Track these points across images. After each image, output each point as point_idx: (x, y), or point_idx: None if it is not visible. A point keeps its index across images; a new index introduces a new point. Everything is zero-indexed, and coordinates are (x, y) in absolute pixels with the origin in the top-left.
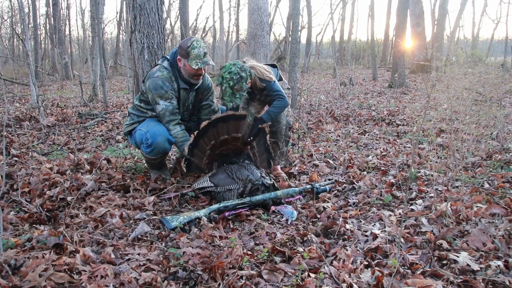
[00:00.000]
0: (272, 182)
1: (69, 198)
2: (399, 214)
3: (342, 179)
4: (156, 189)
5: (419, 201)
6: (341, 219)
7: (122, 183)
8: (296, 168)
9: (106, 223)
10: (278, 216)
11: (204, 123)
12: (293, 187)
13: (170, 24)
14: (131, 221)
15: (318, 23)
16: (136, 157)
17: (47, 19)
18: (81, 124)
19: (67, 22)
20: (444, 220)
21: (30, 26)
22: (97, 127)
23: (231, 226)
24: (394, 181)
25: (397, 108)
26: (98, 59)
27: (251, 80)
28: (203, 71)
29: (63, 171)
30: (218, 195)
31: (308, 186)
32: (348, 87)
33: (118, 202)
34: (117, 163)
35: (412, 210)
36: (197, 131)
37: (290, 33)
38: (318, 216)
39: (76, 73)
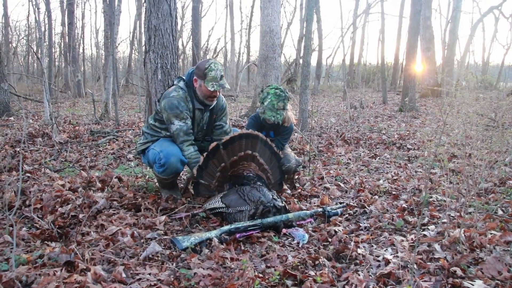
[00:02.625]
0: (283, 205)
1: (80, 216)
2: (412, 239)
3: (353, 203)
4: (167, 209)
5: (432, 227)
6: (352, 243)
7: (134, 201)
8: (307, 190)
9: (117, 241)
10: (289, 239)
11: (212, 145)
12: (304, 209)
13: (182, 45)
14: (142, 240)
15: (329, 46)
16: (147, 176)
17: (62, 38)
18: (93, 142)
19: (81, 41)
20: (457, 247)
21: (45, 44)
22: (108, 145)
23: (242, 248)
24: (405, 206)
25: (408, 132)
26: (111, 78)
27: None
28: (218, 93)
29: (75, 188)
30: (229, 216)
31: (320, 210)
32: (359, 110)
33: (129, 220)
34: (129, 181)
35: (425, 235)
36: (206, 153)
37: (301, 56)
38: (330, 239)
39: (88, 91)
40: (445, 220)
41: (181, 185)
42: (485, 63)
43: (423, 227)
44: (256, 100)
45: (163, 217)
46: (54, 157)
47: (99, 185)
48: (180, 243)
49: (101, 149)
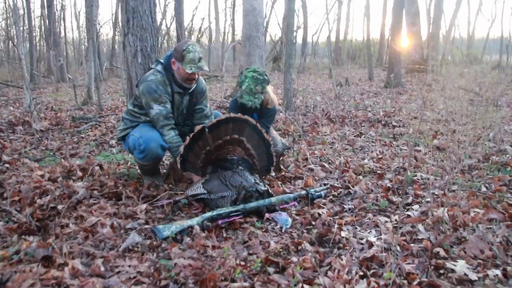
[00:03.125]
0: (266, 189)
1: (59, 207)
2: (395, 220)
3: (338, 184)
4: (149, 196)
5: (416, 207)
6: (336, 226)
7: (114, 190)
8: (291, 172)
9: (97, 233)
10: (272, 224)
11: (198, 127)
12: (288, 192)
13: (165, 26)
14: (122, 231)
15: (314, 23)
16: (129, 163)
17: (42, 21)
18: (75, 129)
19: (62, 24)
20: (441, 227)
21: (25, 28)
22: (90, 131)
23: (224, 235)
24: (390, 185)
25: (393, 109)
26: (93, 62)
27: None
28: (197, 76)
29: (55, 178)
30: (211, 202)
31: (303, 192)
32: (344, 88)
33: (110, 210)
34: (110, 169)
35: (409, 216)
36: (192, 134)
37: (285, 34)
38: (313, 223)
39: (69, 76)
40: (429, 199)
41: (164, 170)
42: (470, 37)
43: (407, 207)
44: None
45: (144, 205)
46: (35, 146)
47: (79, 174)
48: (160, 232)
49: (83, 135)
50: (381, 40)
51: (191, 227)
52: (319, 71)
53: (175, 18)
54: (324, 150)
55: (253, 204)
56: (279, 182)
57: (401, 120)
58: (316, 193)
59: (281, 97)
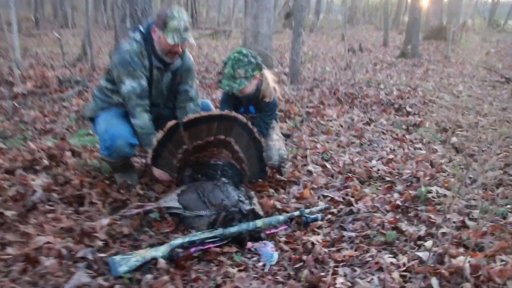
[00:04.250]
0: (251, 208)
1: (8, 213)
2: (403, 264)
3: (339, 197)
4: (117, 201)
5: (429, 243)
6: (331, 266)
7: (77, 193)
8: (287, 174)
9: (39, 264)
10: (255, 258)
11: (171, 123)
12: (278, 209)
13: None
14: (70, 262)
15: None
16: None
17: None
18: (59, 94)
19: None
20: (459, 281)
21: None
22: (75, 98)
23: (193, 275)
24: (400, 203)
25: (408, 89)
26: (88, 12)
27: (259, 80)
28: (180, 49)
29: (14, 169)
30: (186, 220)
31: (296, 213)
32: (357, 54)
33: (66, 224)
34: (80, 159)
35: (420, 262)
36: (165, 129)
37: None
38: (304, 258)
39: (57, 35)
40: (445, 230)
41: (141, 161)
42: (495, 2)
43: (418, 243)
44: (247, 38)
45: (107, 220)
46: (9, 116)
47: (45, 162)
48: (115, 268)
49: (65, 104)
50: (399, 1)
51: (155, 259)
52: (332, 31)
53: None
54: (328, 143)
55: (234, 229)
56: (271, 190)
57: (416, 105)
58: (312, 216)
59: (287, 63)
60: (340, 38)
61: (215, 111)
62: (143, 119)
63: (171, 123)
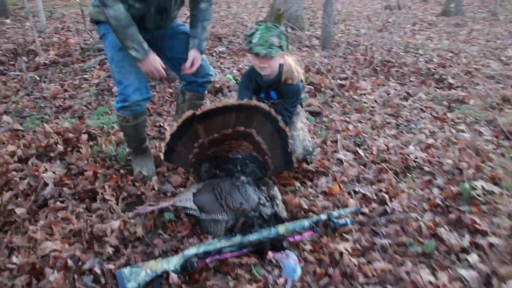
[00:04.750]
0: (273, 211)
1: (18, 211)
2: (443, 285)
3: (371, 194)
4: (131, 195)
5: (474, 257)
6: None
7: (90, 187)
8: (314, 162)
9: (43, 277)
10: (276, 272)
11: (187, 114)
12: (304, 210)
13: None
14: (75, 276)
15: None
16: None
17: None
18: (81, 63)
19: None
20: None
21: None
22: (96, 69)
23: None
24: (439, 201)
25: (451, 55)
26: None
27: (284, 57)
28: None
29: (28, 157)
30: (202, 223)
31: (323, 217)
32: (395, 12)
33: (75, 226)
34: (93, 147)
35: (463, 283)
36: (179, 122)
37: None
38: (330, 272)
39: None
40: (494, 241)
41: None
42: None
43: (461, 257)
44: (276, 3)
45: (117, 223)
46: (28, 91)
47: (60, 148)
48: (123, 284)
49: (86, 76)
50: None
51: (167, 272)
52: None
53: None
54: (361, 123)
55: (253, 236)
56: (297, 184)
57: (459, 75)
58: (340, 222)
59: (319, 24)
60: None
61: (232, 100)
62: (117, 9)
63: (187, 114)
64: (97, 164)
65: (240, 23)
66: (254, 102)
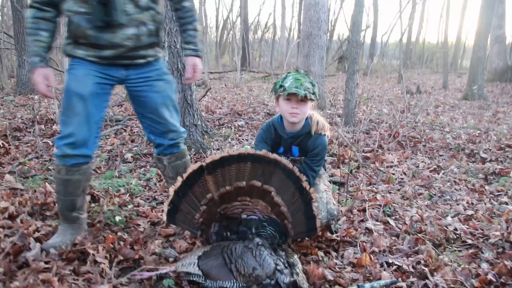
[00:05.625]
0: (292, 280)
1: None
2: None
3: (408, 266)
4: (128, 260)
5: None
6: None
7: (80, 248)
8: (340, 232)
9: None
10: None
11: (194, 166)
12: (329, 279)
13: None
14: None
15: (384, 22)
16: (128, 196)
17: None
18: None
19: None
20: None
21: None
22: (111, 137)
23: None
24: (492, 277)
25: (479, 132)
26: None
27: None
28: None
29: (18, 215)
30: None
31: None
32: (416, 96)
33: None
34: (97, 206)
35: None
36: (185, 175)
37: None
38: None
39: None
40: None
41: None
42: None
43: None
44: None
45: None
46: (38, 155)
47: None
48: None
49: (100, 143)
50: (457, 44)
51: None
52: (386, 74)
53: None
54: (390, 193)
55: None
56: (320, 253)
57: (491, 150)
58: None
59: (341, 105)
60: (395, 82)
61: (248, 150)
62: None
63: (194, 166)
64: (93, 224)
65: (261, 102)
66: (274, 155)
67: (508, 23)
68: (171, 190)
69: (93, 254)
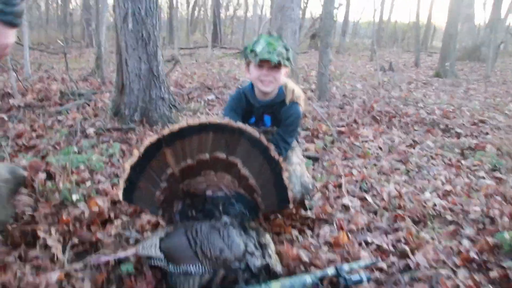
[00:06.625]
0: (264, 263)
1: None
2: None
3: (387, 244)
4: (84, 243)
5: None
6: None
7: (29, 228)
8: (315, 209)
9: None
10: None
11: (151, 139)
12: (304, 260)
13: None
14: None
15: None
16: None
17: None
18: (59, 107)
19: None
20: None
21: None
22: (73, 112)
23: None
24: (474, 254)
25: (452, 108)
26: (104, 26)
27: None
28: None
29: None
30: (170, 278)
31: (330, 272)
32: (388, 73)
33: None
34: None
35: None
36: (142, 148)
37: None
38: None
39: (59, 42)
40: None
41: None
42: None
43: None
44: None
45: (56, 275)
46: None
47: None
48: None
49: (61, 118)
50: (427, 24)
51: None
52: (359, 52)
53: None
54: (366, 168)
55: None
56: (294, 232)
57: (465, 125)
58: (354, 279)
59: (314, 81)
60: (367, 60)
61: (210, 118)
62: None
63: (151, 139)
64: (46, 205)
65: (232, 77)
66: (238, 123)
67: (477, 2)
68: (127, 166)
69: (44, 238)
